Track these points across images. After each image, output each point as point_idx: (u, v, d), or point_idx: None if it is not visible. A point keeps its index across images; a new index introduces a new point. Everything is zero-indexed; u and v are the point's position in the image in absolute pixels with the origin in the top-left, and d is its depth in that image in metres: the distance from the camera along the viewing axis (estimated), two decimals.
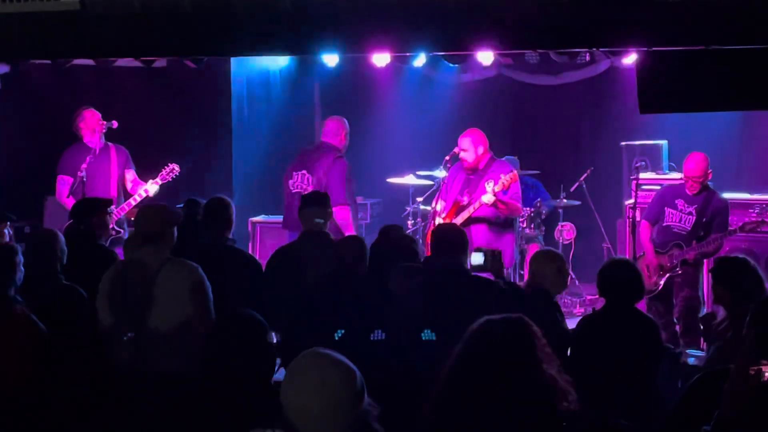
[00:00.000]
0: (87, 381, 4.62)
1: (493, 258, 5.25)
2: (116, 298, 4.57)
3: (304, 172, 7.41)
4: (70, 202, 7.36)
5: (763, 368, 2.80)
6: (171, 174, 7.65)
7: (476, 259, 5.27)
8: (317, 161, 7.39)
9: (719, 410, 2.85)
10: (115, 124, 7.64)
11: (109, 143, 7.76)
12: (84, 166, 7.47)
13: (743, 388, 2.82)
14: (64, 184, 7.65)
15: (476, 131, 7.47)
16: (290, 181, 7.45)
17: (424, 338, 2.96)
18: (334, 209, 6.57)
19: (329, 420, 2.51)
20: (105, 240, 5.99)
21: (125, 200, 7.70)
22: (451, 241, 5.13)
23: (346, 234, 6.82)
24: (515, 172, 7.39)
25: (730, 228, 7.11)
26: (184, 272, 4.60)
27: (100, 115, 7.70)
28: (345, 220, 7.15)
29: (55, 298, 4.85)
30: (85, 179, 7.46)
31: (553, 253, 5.40)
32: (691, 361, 5.23)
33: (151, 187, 7.62)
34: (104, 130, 7.63)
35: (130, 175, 7.80)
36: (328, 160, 7.36)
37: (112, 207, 6.81)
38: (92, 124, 7.66)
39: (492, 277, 5.21)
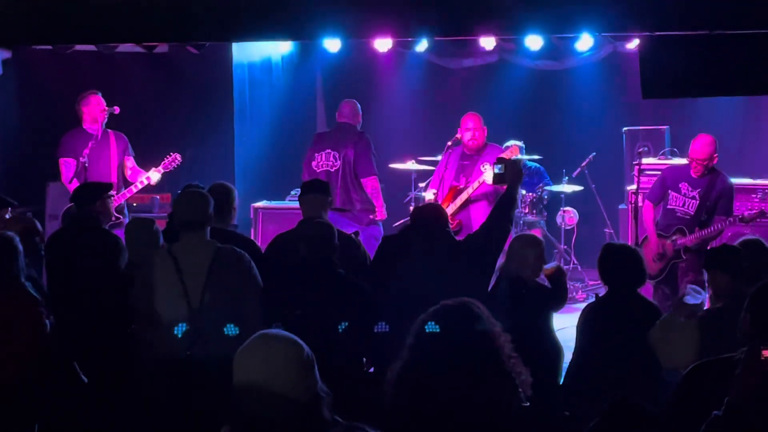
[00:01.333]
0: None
1: (512, 167, 5.29)
2: (169, 287, 4.55)
3: (328, 150, 7.72)
4: (74, 186, 7.32)
5: None
6: (173, 163, 7.65)
7: (496, 170, 5.40)
8: (342, 140, 7.73)
9: (730, 396, 2.85)
10: (117, 109, 7.61)
11: (109, 130, 7.69)
12: (86, 151, 7.43)
13: (755, 373, 2.82)
14: (68, 166, 7.56)
15: (474, 113, 7.56)
16: (313, 163, 7.71)
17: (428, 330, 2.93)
18: (365, 180, 7.63)
19: (275, 394, 2.48)
20: (105, 225, 5.98)
21: (125, 187, 7.67)
22: (433, 219, 5.13)
23: (377, 203, 7.66)
24: (515, 146, 7.48)
25: (734, 213, 7.08)
26: (236, 260, 4.66)
27: (104, 103, 7.65)
28: (376, 189, 7.71)
29: None
30: (86, 165, 7.44)
31: (537, 239, 5.32)
32: None
33: (153, 175, 7.59)
34: (105, 119, 7.59)
35: (130, 162, 7.75)
36: (354, 137, 7.72)
37: (113, 192, 6.80)
38: (95, 113, 7.59)
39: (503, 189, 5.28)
